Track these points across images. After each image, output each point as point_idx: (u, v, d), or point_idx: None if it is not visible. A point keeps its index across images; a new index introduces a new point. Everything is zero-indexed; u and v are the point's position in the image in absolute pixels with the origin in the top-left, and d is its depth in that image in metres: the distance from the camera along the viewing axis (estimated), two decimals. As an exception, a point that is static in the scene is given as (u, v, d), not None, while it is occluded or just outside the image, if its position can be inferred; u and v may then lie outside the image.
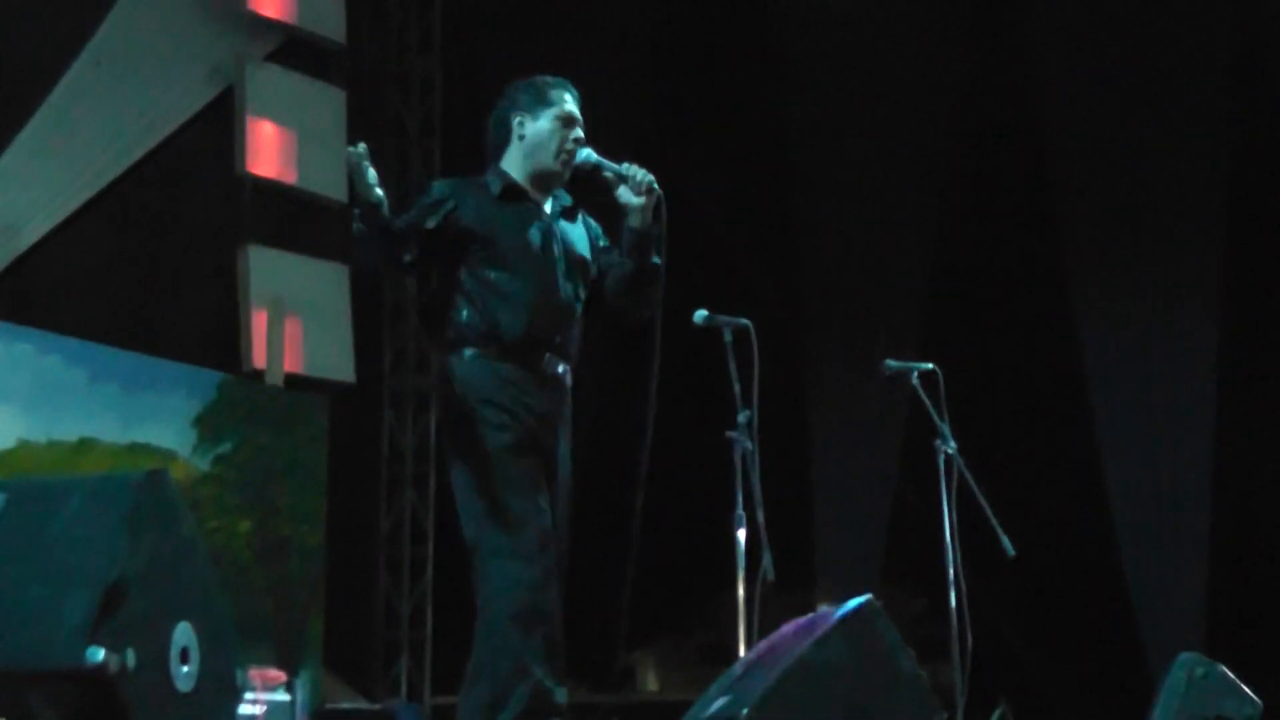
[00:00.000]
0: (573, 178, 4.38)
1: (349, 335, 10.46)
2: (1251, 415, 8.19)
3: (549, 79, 4.40)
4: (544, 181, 4.35)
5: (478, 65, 10.66)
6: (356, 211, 4.09)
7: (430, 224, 4.19)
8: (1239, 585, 7.91)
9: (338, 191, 10.44)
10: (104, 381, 8.89)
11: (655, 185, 4.22)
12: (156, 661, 2.55)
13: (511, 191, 4.30)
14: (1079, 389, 8.55)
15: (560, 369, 4.28)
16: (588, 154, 4.31)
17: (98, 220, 9.37)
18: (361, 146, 3.95)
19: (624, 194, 4.24)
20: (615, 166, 4.27)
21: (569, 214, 4.43)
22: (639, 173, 4.23)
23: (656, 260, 4.28)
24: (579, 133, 4.33)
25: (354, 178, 3.97)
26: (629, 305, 4.39)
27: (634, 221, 4.26)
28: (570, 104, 4.34)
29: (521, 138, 4.32)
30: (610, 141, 4.54)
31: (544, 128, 4.30)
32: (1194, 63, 8.72)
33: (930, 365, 5.47)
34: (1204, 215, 8.71)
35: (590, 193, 4.40)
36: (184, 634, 2.60)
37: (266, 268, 10.02)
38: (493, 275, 4.21)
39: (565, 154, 4.30)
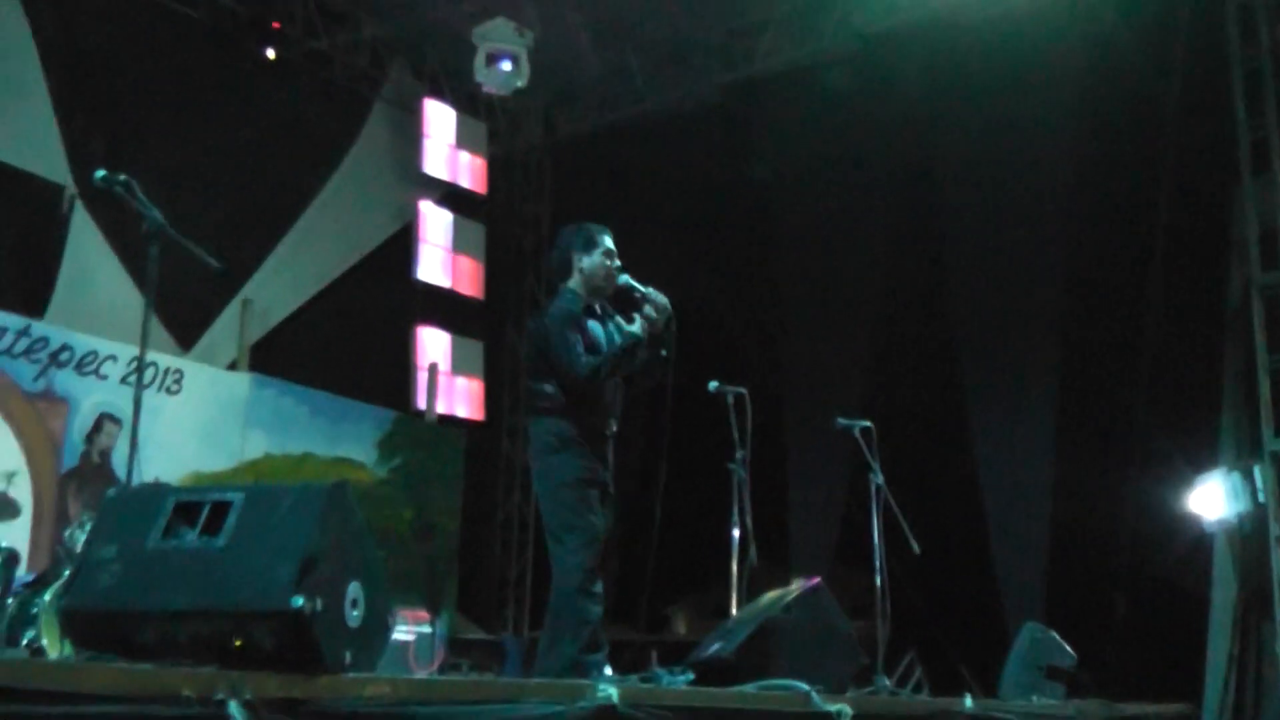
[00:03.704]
0: (614, 293, 4.34)
1: (481, 388, 10.56)
2: (1080, 466, 8.02)
3: (593, 226, 4.33)
4: (596, 295, 4.30)
5: (570, 209, 10.77)
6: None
7: None
8: (1066, 580, 7.77)
9: (478, 292, 10.60)
10: (320, 415, 8.97)
11: (669, 307, 4.17)
12: (336, 607, 2.52)
13: (586, 309, 4.25)
14: (967, 441, 8.44)
15: (614, 426, 4.23)
16: (625, 278, 4.26)
17: (320, 307, 9.51)
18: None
19: (648, 309, 4.17)
20: (643, 289, 4.21)
21: (608, 318, 4.35)
22: (660, 298, 4.18)
23: (665, 353, 4.21)
24: (618, 262, 4.29)
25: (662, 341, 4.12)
26: (643, 380, 4.30)
27: (653, 329, 4.17)
28: (609, 242, 4.30)
29: (581, 270, 4.25)
30: (654, 266, 4.52)
31: (596, 260, 4.24)
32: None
33: (868, 423, 5.40)
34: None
35: (624, 303, 4.37)
36: (354, 589, 2.60)
37: (428, 342, 10.16)
38: None
39: (610, 277, 4.26)
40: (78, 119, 7.95)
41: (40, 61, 7.86)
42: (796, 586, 4.56)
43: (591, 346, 4.13)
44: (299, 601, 2.38)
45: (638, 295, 4.21)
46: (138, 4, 8.55)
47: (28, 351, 7.31)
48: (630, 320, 4.20)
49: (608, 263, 4.26)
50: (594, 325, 4.23)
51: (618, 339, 4.26)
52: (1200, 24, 7.70)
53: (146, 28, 8.54)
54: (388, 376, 9.81)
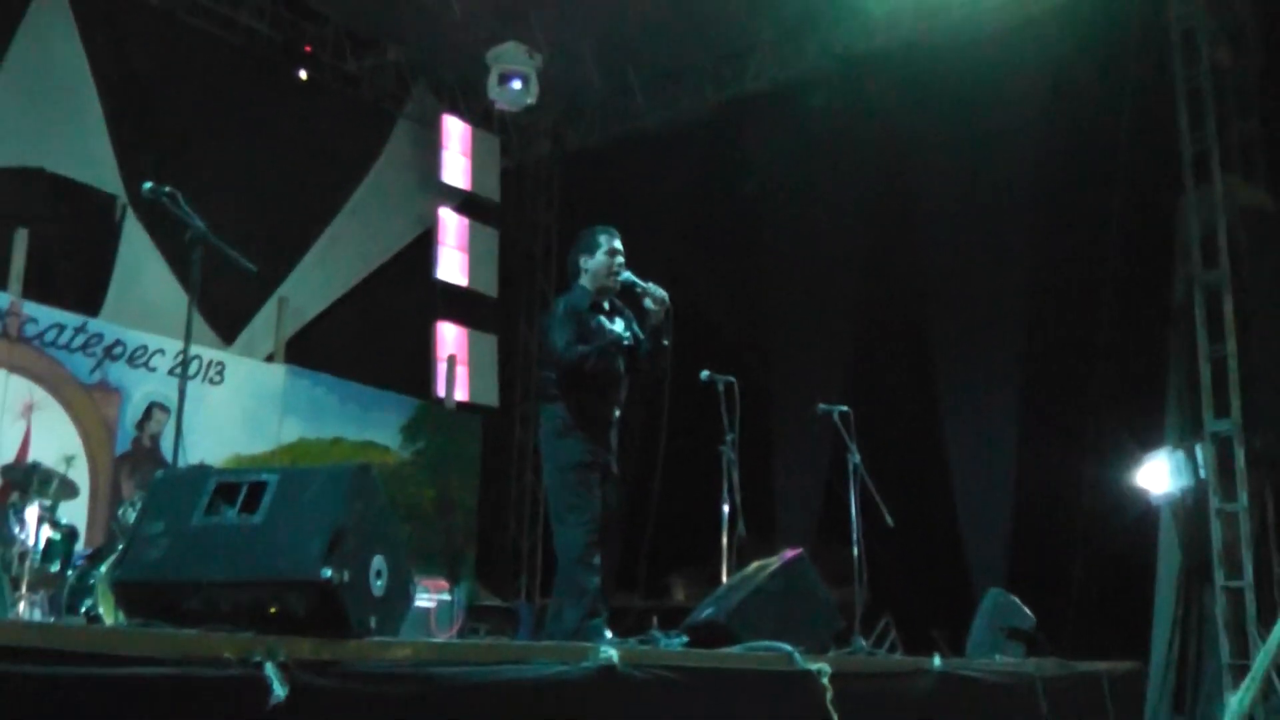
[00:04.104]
0: (620, 289, 4.33)
1: (495, 378, 10.56)
2: (1040, 447, 8.01)
3: (599, 228, 4.32)
4: (604, 291, 4.30)
5: (576, 216, 10.73)
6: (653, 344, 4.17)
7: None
8: (1027, 549, 7.77)
9: (492, 290, 10.59)
10: (349, 403, 8.99)
11: (667, 299, 4.17)
12: (361, 578, 2.51)
13: (595, 305, 4.26)
14: (938, 425, 8.46)
15: (617, 413, 4.22)
16: (628, 275, 4.26)
17: (350, 304, 9.50)
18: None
19: (648, 302, 4.19)
20: (644, 284, 4.22)
21: (618, 312, 4.37)
22: (659, 291, 4.19)
23: (665, 342, 4.21)
24: (621, 259, 4.27)
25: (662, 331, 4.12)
26: (649, 367, 4.29)
27: (653, 320, 4.20)
28: (614, 242, 4.28)
29: (587, 270, 4.27)
30: (653, 268, 4.49)
31: (600, 260, 4.25)
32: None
33: (846, 408, 5.39)
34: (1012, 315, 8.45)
35: (629, 298, 4.37)
36: (379, 561, 2.58)
37: (447, 336, 10.16)
38: None
39: (614, 274, 4.25)
40: (129, 136, 7.99)
41: (95, 85, 7.91)
42: (781, 557, 4.55)
43: (586, 338, 4.12)
44: (328, 573, 2.38)
45: (638, 290, 4.21)
46: (183, 31, 8.58)
47: (85, 346, 7.34)
48: (640, 313, 4.20)
49: (609, 260, 4.25)
50: (603, 319, 4.23)
51: (634, 330, 4.27)
52: (1147, 48, 7.72)
53: (191, 53, 8.58)
54: (410, 367, 9.81)
